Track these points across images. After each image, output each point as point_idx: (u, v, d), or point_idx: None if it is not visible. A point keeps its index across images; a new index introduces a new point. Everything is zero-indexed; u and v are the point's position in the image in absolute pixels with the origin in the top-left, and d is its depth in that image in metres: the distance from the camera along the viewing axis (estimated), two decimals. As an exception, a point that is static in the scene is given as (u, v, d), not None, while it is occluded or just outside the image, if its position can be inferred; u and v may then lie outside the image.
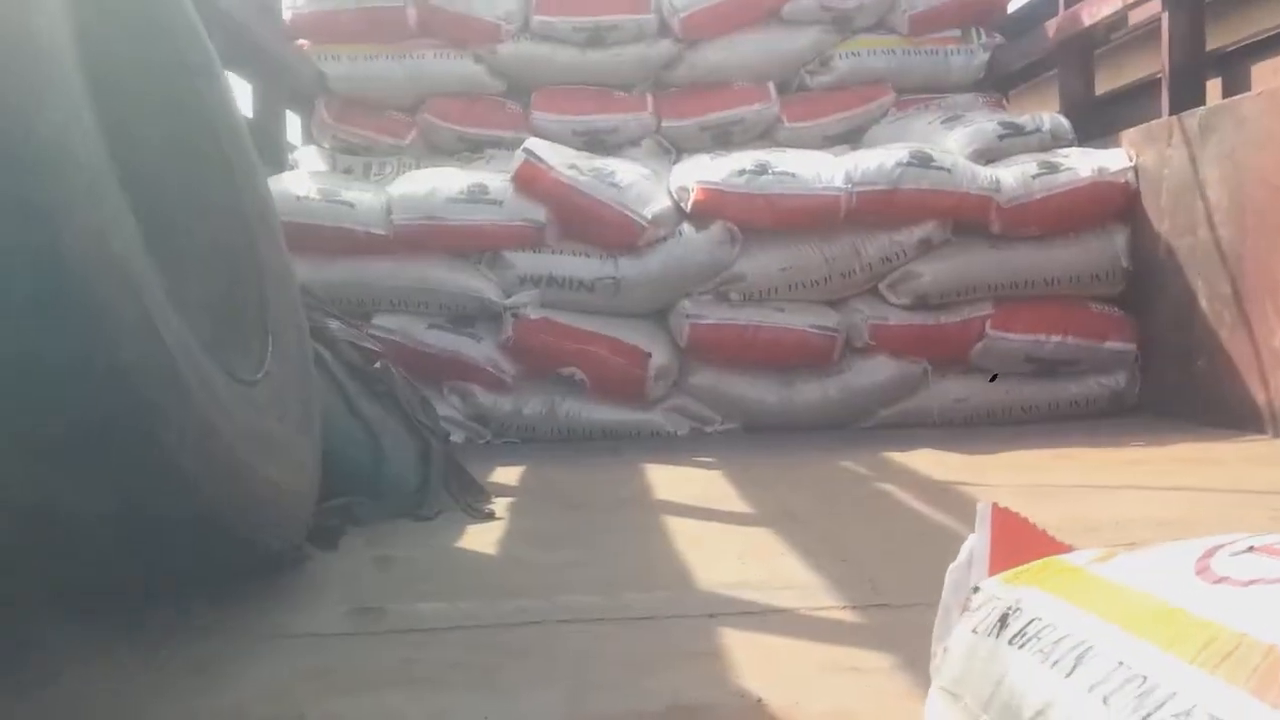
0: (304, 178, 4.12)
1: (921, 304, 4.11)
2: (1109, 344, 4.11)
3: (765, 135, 5.16)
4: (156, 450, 1.43)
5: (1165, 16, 3.92)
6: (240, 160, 2.10)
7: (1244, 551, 0.96)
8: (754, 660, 1.45)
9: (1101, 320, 4.13)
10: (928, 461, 3.22)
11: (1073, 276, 4.13)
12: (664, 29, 5.06)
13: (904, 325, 4.10)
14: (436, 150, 5.11)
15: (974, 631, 0.99)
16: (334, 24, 5.03)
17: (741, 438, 4.05)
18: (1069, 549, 1.17)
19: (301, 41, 5.08)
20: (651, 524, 2.34)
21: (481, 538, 2.25)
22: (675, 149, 5.02)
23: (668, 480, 2.99)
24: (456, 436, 4.00)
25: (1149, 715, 0.74)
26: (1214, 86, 3.98)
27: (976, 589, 1.08)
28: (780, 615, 1.65)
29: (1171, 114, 3.85)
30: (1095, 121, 4.59)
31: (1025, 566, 1.07)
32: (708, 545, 2.14)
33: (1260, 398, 3.43)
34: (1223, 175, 3.55)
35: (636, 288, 4.03)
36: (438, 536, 2.25)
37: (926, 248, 4.09)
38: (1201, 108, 3.71)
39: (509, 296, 4.00)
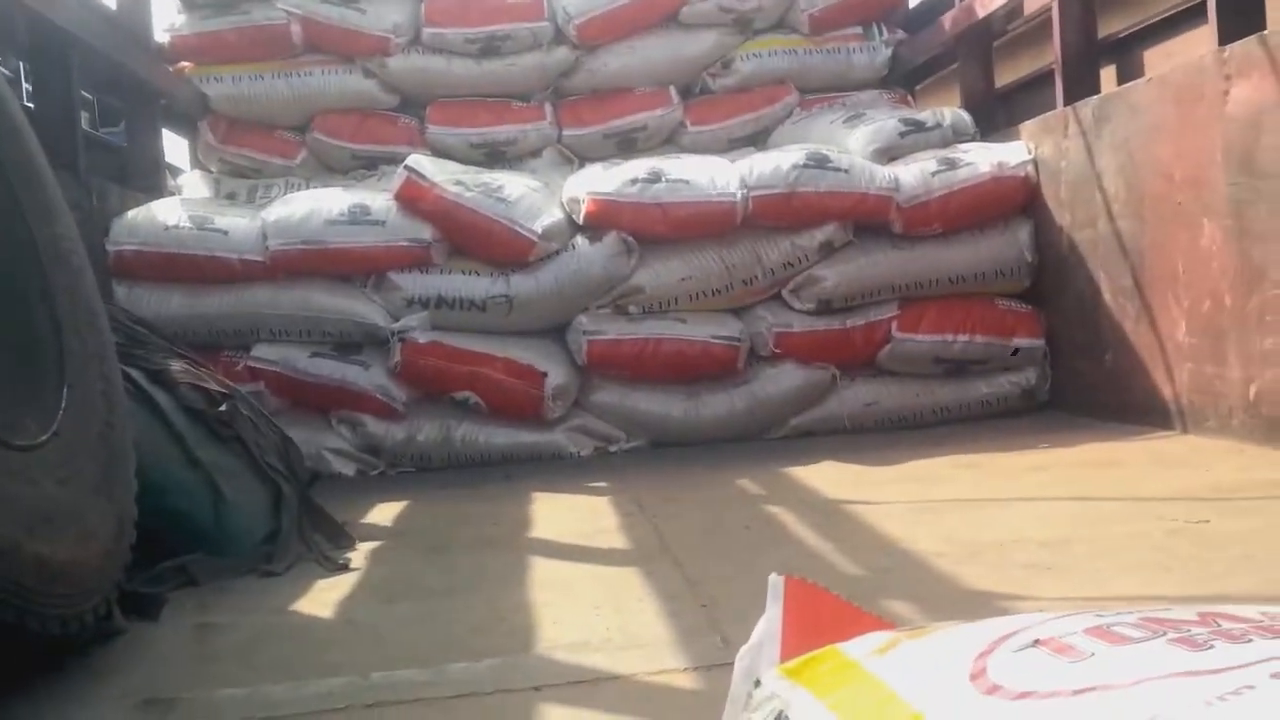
0: (175, 205, 3.91)
1: (826, 308, 4.00)
2: (1016, 340, 4.02)
3: (669, 140, 5.05)
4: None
5: (1056, 4, 3.84)
6: (33, 202, 1.91)
7: (1028, 646, 0.84)
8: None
9: (1008, 317, 4.04)
10: (825, 476, 3.09)
11: (977, 273, 4.04)
12: (560, 36, 4.91)
13: (808, 331, 3.99)
14: (328, 169, 4.93)
15: None
16: (216, 44, 4.82)
17: (646, 455, 3.91)
18: (874, 624, 1.06)
19: (183, 64, 4.87)
20: (511, 568, 2.19)
21: (324, 595, 2.08)
22: (578, 158, 4.87)
23: (548, 512, 2.83)
24: (347, 469, 3.84)
25: None
26: (1108, 74, 3.89)
27: (758, 683, 0.96)
28: (614, 684, 1.50)
29: (1066, 104, 3.76)
30: (998, 114, 4.51)
31: (808, 656, 0.95)
32: (564, 592, 2.00)
33: (1167, 392, 3.34)
34: (1119, 165, 3.46)
35: (531, 305, 3.87)
36: (276, 596, 2.08)
37: (828, 251, 3.97)
38: (1095, 97, 3.62)
39: (396, 320, 3.83)
